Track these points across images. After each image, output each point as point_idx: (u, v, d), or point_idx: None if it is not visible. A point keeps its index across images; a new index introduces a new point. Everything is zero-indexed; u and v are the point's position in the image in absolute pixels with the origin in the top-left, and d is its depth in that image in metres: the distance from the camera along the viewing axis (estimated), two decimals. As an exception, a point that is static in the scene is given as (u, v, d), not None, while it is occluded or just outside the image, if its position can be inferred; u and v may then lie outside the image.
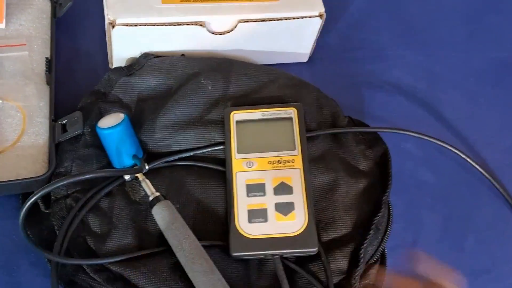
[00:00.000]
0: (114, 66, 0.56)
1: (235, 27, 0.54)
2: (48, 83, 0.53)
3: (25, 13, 0.57)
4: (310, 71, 0.60)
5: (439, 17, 0.67)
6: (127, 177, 0.48)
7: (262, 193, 0.48)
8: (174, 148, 0.51)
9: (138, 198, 0.49)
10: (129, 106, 0.53)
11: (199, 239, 0.46)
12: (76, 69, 0.57)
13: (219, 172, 0.51)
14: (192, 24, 0.54)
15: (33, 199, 0.42)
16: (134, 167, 0.49)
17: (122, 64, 0.56)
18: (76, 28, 0.60)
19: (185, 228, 0.46)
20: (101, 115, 0.51)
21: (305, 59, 0.61)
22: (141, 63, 0.54)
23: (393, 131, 0.55)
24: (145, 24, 0.53)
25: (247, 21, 0.54)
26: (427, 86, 0.61)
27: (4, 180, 0.46)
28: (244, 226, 0.47)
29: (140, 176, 0.48)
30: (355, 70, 0.61)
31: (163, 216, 0.46)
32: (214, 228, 0.48)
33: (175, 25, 0.53)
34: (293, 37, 0.57)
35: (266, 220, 0.47)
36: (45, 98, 0.52)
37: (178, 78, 0.53)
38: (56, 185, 0.43)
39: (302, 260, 0.47)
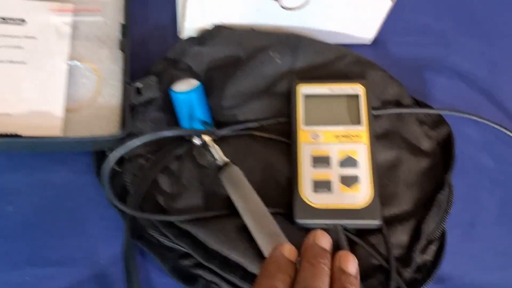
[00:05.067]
0: (184, 35, 0.58)
1: (307, 2, 0.55)
2: (121, 48, 0.54)
3: (99, -21, 0.58)
4: (373, 53, 0.61)
5: (503, 7, 0.67)
6: (196, 141, 0.50)
7: (327, 165, 0.49)
8: (240, 118, 0.52)
9: (205, 163, 0.50)
10: (198, 74, 0.54)
11: (263, 206, 0.47)
12: (146, 37, 0.59)
13: (284, 143, 0.52)
14: (265, -2, 0.54)
15: (119, 151, 0.44)
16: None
17: (192, 35, 0.57)
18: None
19: (252, 193, 0.47)
20: (172, 82, 0.52)
21: (369, 41, 0.61)
22: (213, 34, 0.55)
23: (457, 113, 0.55)
24: (219, -4, 0.54)
25: (318, -2, 0.55)
26: (488, 74, 0.61)
27: (81, 136, 0.48)
28: (309, 195, 0.48)
29: (209, 141, 0.49)
30: (417, 55, 0.62)
31: (232, 180, 0.47)
32: (277, 197, 0.49)
33: (248, -3, 0.54)
34: (361, 18, 0.58)
35: (330, 191, 0.48)
36: (119, 62, 0.54)
37: (247, 50, 0.55)
38: (141, 141, 0.45)
39: (362, 233, 0.48)
